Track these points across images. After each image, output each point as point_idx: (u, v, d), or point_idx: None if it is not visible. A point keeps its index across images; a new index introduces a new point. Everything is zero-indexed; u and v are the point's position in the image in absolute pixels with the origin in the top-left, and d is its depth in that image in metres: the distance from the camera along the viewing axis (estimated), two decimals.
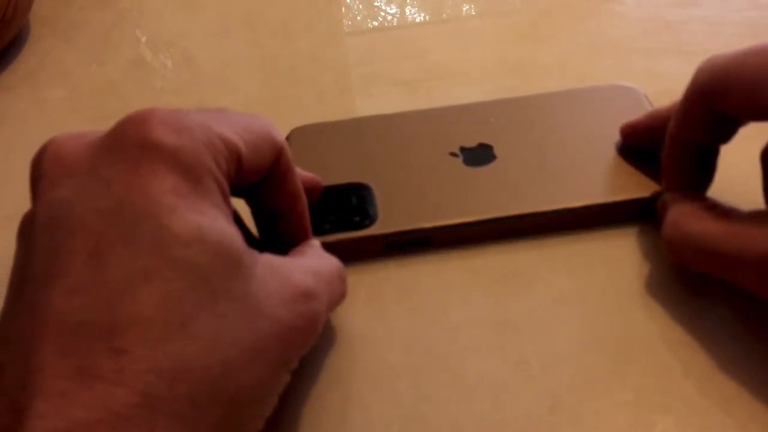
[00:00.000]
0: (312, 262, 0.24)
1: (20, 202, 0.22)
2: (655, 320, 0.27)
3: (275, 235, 0.26)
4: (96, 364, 0.17)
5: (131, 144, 0.19)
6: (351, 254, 0.29)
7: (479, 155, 0.32)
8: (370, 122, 0.35)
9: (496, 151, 0.32)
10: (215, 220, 0.19)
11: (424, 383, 0.26)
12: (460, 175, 0.32)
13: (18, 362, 0.17)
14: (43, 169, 0.20)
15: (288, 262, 0.23)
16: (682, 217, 0.26)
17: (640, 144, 0.31)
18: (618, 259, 0.29)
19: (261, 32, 0.44)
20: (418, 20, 0.44)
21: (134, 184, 0.19)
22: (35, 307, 0.18)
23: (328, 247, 0.26)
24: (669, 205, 0.27)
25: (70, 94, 0.40)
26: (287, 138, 0.34)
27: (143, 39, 0.44)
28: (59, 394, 0.16)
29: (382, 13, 0.45)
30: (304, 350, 0.22)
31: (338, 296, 0.25)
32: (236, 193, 0.24)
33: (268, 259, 0.22)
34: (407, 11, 0.45)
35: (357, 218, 0.30)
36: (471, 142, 0.33)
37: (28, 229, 0.20)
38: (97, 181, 0.19)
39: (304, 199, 0.26)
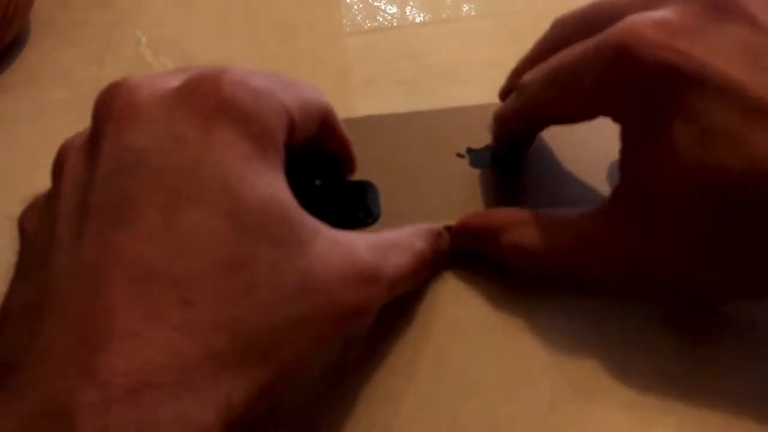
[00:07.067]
0: (383, 235, 0.25)
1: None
2: (655, 320, 0.27)
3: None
4: (165, 312, 0.17)
5: (206, 103, 0.20)
6: None
7: (486, 157, 0.32)
8: (379, 121, 0.35)
9: None
10: (280, 192, 0.20)
11: (424, 383, 0.26)
12: (465, 176, 0.31)
13: (84, 298, 0.18)
14: (114, 111, 0.20)
15: (353, 237, 0.23)
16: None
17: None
18: None
19: (261, 32, 0.44)
20: (418, 20, 0.44)
21: (209, 146, 0.19)
22: (104, 246, 0.18)
23: None
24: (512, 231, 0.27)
25: (70, 95, 0.40)
26: None
27: (143, 39, 0.44)
28: (133, 334, 0.17)
29: (382, 13, 0.45)
30: (353, 330, 0.22)
31: (422, 262, 0.26)
32: None
33: (332, 234, 0.22)
34: (407, 11, 0.45)
35: (360, 215, 0.30)
36: (479, 144, 0.33)
37: (84, 159, 0.21)
38: (173, 137, 0.20)
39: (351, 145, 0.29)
